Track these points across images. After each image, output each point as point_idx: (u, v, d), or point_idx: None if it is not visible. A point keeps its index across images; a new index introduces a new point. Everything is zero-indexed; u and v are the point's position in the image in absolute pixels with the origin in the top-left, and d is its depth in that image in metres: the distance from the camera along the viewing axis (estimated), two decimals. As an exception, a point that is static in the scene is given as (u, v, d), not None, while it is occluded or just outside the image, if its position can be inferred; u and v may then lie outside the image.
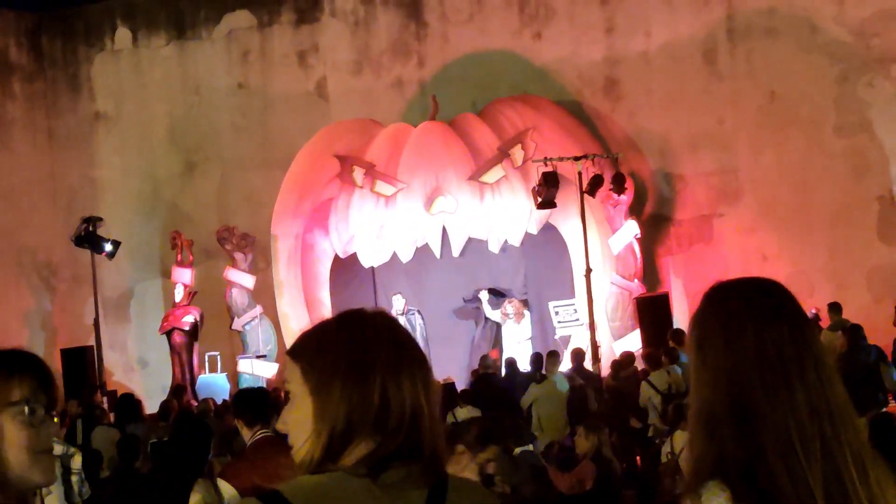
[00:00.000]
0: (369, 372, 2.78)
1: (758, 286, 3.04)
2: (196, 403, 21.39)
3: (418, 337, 24.41)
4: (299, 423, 2.83)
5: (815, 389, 2.85)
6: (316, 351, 2.85)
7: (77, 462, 10.72)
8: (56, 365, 27.19)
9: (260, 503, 2.71)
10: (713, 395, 2.91)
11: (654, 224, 26.04)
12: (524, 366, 20.86)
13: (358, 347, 2.82)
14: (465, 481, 3.07)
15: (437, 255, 24.84)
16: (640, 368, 19.12)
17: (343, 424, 2.76)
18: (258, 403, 7.78)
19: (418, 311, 24.93)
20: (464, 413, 16.60)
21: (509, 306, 24.82)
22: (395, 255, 25.16)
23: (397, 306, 24.60)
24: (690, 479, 2.88)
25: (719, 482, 2.81)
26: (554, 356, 19.27)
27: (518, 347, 24.03)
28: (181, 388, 22.27)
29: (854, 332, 18.33)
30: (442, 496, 2.87)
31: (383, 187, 24.60)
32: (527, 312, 24.98)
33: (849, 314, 20.55)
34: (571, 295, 24.75)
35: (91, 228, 24.82)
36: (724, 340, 2.92)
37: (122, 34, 30.39)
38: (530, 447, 12.47)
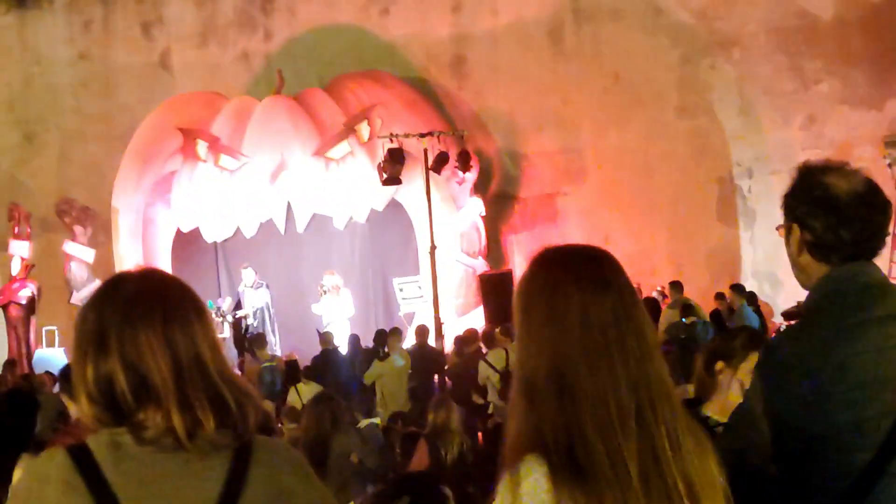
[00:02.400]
0: (96, 348, 2.85)
1: (586, 255, 2.99)
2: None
3: (265, 311, 24.28)
4: None
5: (634, 363, 2.84)
6: (74, 329, 2.94)
7: None
8: None
9: (67, 453, 2.80)
10: (535, 365, 2.87)
11: (499, 202, 26.20)
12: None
13: (95, 319, 2.88)
14: (272, 441, 3.05)
15: (282, 230, 24.65)
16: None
17: (96, 394, 2.84)
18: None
19: (266, 286, 24.70)
20: (307, 389, 16.59)
21: (327, 278, 24.37)
22: (238, 231, 24.92)
23: (247, 279, 24.38)
24: (510, 453, 2.84)
25: (538, 456, 2.77)
26: (396, 333, 19.27)
27: (337, 325, 23.67)
28: (13, 362, 21.82)
29: (688, 310, 18.74)
30: (246, 459, 2.87)
31: (227, 161, 24.33)
32: (346, 291, 24.60)
33: (688, 293, 20.89)
34: (416, 272, 24.80)
35: (-77, 199, 24.25)
36: (549, 309, 2.89)
37: (-40, 1, 29.67)
38: (377, 420, 12.51)
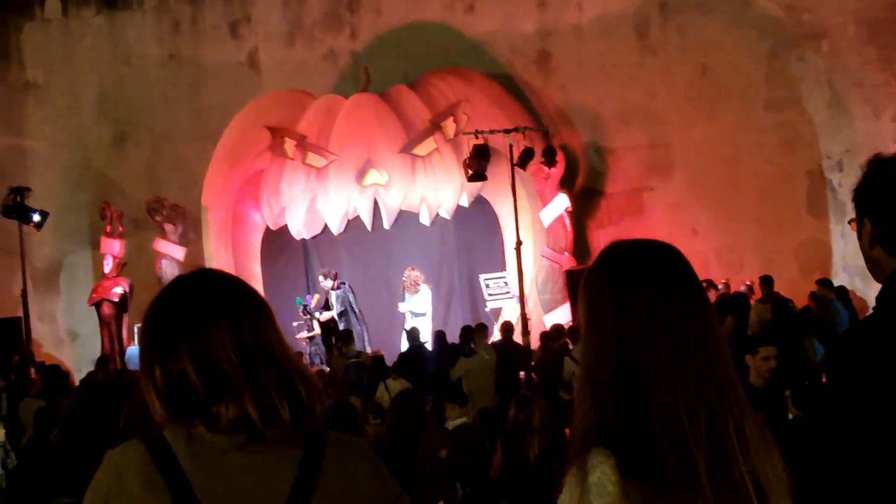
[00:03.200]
0: (164, 345, 2.94)
1: (655, 250, 3.01)
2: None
3: (349, 311, 24.35)
4: None
5: (703, 360, 2.84)
6: (139, 335, 3.07)
7: (0, 434, 10.64)
8: (-17, 336, 27.00)
9: (143, 445, 2.90)
10: (601, 359, 2.88)
11: (585, 197, 26.13)
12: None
13: (160, 322, 2.98)
14: (345, 437, 3.10)
15: (369, 227, 24.75)
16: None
17: (167, 393, 2.92)
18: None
19: (348, 286, 24.80)
20: (395, 385, 16.68)
21: (408, 275, 24.50)
22: (326, 228, 25.07)
23: (325, 285, 24.48)
24: (576, 446, 2.85)
25: (605, 450, 2.78)
26: (482, 329, 19.31)
27: (413, 321, 23.78)
28: (105, 359, 22.06)
29: (781, 306, 18.50)
30: (319, 452, 2.94)
31: (315, 159, 24.49)
32: (424, 288, 24.71)
33: (778, 288, 20.71)
34: (502, 268, 24.81)
35: (19, 199, 24.54)
36: (616, 303, 2.90)
37: (52, 3, 30.01)
38: (466, 419, 12.52)
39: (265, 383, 2.89)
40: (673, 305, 2.89)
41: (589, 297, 2.97)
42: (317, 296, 24.60)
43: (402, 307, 24.36)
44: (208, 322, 2.92)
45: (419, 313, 24.06)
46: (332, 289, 24.24)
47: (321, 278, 24.63)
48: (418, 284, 24.29)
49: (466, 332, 19.52)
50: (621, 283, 2.92)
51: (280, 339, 3.00)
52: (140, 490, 2.86)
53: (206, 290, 3.02)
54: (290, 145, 24.69)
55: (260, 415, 2.87)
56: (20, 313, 25.53)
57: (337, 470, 2.96)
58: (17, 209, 24.55)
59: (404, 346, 22.47)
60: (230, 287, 3.05)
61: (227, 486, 2.87)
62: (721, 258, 24.87)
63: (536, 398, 12.32)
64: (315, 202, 24.60)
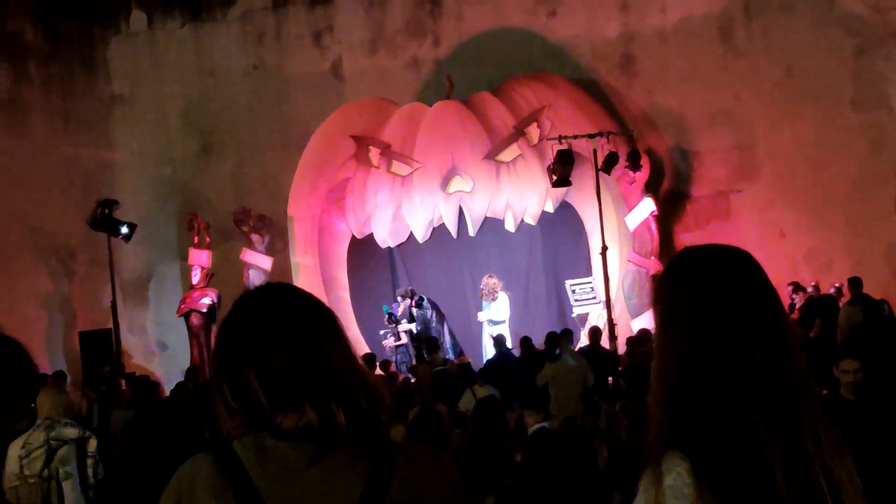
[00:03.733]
0: (232, 357, 2.97)
1: (726, 253, 3.01)
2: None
3: (429, 324, 24.37)
4: None
5: (776, 361, 2.84)
6: (212, 349, 3.14)
7: (92, 445, 10.73)
8: (75, 348, 27.33)
9: (211, 456, 2.94)
10: (675, 362, 2.89)
11: (671, 201, 25.97)
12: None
13: (225, 336, 3.03)
14: (416, 446, 3.11)
15: (454, 234, 24.76)
16: (655, 346, 19.06)
17: (234, 406, 2.95)
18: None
19: (429, 301, 24.81)
20: (482, 391, 16.66)
21: (486, 282, 24.56)
22: (411, 235, 25.14)
23: (403, 305, 24.54)
24: (651, 449, 2.86)
25: (679, 452, 2.79)
26: (568, 334, 19.24)
27: (491, 329, 23.85)
28: (195, 369, 22.26)
29: (873, 307, 18.26)
30: (388, 462, 2.95)
31: (399, 167, 24.57)
32: (502, 296, 24.64)
33: (867, 290, 20.47)
34: (588, 273, 24.74)
35: (107, 211, 24.83)
36: (688, 306, 2.91)
37: (138, 16, 30.37)
38: (545, 424, 12.46)
39: (324, 394, 2.91)
40: (744, 310, 2.89)
41: (661, 302, 3.00)
42: (403, 304, 24.66)
43: (480, 316, 24.42)
44: (270, 335, 2.95)
45: (498, 321, 24.08)
46: (411, 307, 24.31)
47: (399, 299, 24.71)
48: (496, 292, 24.34)
49: (552, 337, 19.47)
50: (692, 288, 2.94)
51: (343, 349, 3.01)
52: (210, 502, 2.88)
53: (269, 304, 3.05)
54: (374, 154, 24.78)
55: (321, 424, 2.89)
56: (110, 325, 25.84)
57: (407, 480, 2.95)
58: (106, 222, 24.84)
59: (486, 353, 22.53)
60: (293, 299, 3.07)
61: (295, 496, 2.88)
62: (809, 260, 24.63)
63: (605, 405, 12.28)
64: (400, 210, 24.68)
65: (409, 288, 24.98)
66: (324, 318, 3.04)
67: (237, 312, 3.05)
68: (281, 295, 3.09)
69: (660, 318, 2.98)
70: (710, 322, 2.86)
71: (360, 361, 3.08)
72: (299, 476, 2.89)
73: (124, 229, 25.00)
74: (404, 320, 24.28)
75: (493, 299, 24.33)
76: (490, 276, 24.58)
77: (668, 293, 2.97)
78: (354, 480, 2.91)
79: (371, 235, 25.43)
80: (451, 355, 23.16)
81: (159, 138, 29.83)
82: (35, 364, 3.28)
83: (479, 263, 25.79)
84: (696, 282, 2.93)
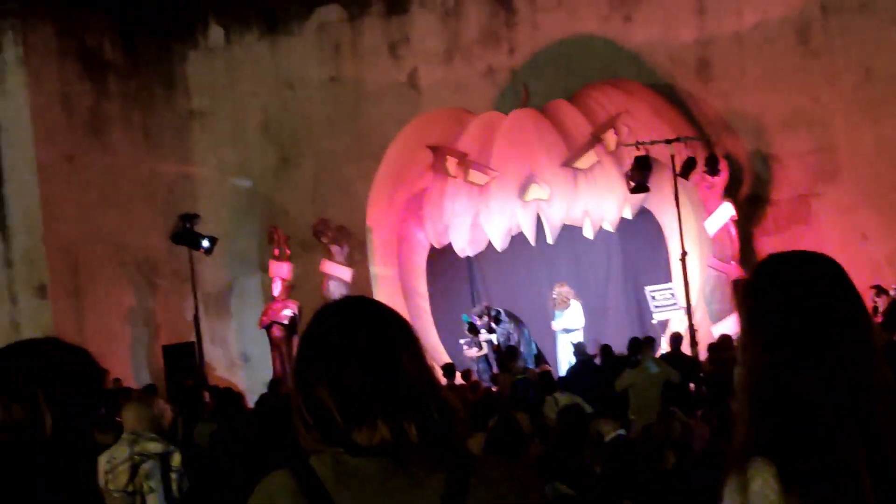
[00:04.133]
0: (308, 371, 3.04)
1: (810, 260, 3.03)
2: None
3: (510, 337, 24.39)
4: None
5: (859, 369, 2.85)
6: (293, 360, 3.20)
7: (176, 460, 10.80)
8: (159, 361, 27.63)
9: (290, 473, 3.00)
10: (760, 368, 2.91)
11: (751, 205, 25.76)
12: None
13: (303, 351, 3.08)
14: (495, 459, 3.13)
15: (532, 242, 24.75)
16: (738, 352, 18.95)
17: (310, 419, 3.01)
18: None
19: (505, 312, 24.81)
20: (564, 399, 16.65)
21: (557, 291, 24.56)
22: (490, 244, 25.15)
23: (481, 323, 24.59)
24: (736, 455, 2.88)
25: (765, 458, 2.80)
26: (649, 341, 19.19)
27: (566, 337, 23.90)
28: (278, 381, 22.41)
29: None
30: (465, 476, 2.96)
31: (476, 176, 24.60)
32: (575, 304, 24.59)
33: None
34: (668, 279, 24.61)
35: (188, 225, 25.02)
36: (773, 313, 2.92)
37: (215, 31, 30.65)
38: (622, 431, 12.43)
39: (397, 408, 2.95)
40: (828, 316, 2.90)
41: (746, 308, 3.01)
42: (481, 321, 24.68)
43: (554, 325, 24.42)
44: (345, 349, 3.00)
45: (572, 329, 24.07)
46: (490, 323, 24.33)
47: (476, 319, 24.67)
48: (568, 300, 24.30)
49: (634, 343, 19.44)
50: (777, 295, 2.95)
51: (419, 363, 3.05)
52: None
53: (345, 318, 3.09)
54: (451, 163, 24.83)
55: (395, 440, 2.93)
56: (193, 338, 26.03)
57: (484, 491, 2.96)
58: (188, 236, 25.03)
59: (560, 361, 22.55)
60: (370, 312, 3.11)
61: None
62: (893, 263, 24.35)
63: (680, 415, 12.21)
64: (478, 219, 24.72)
65: (485, 305, 25.01)
66: (401, 331, 3.08)
67: (314, 328, 3.10)
68: (358, 308, 3.12)
69: (745, 325, 2.99)
70: (795, 328, 2.87)
71: (437, 375, 3.11)
72: (376, 490, 2.92)
73: (205, 243, 25.18)
74: (484, 330, 24.31)
75: (566, 308, 24.32)
76: (561, 285, 24.57)
77: (753, 300, 2.99)
78: (431, 494, 2.93)
79: (450, 245, 25.49)
80: (531, 364, 23.16)
81: (238, 152, 30.09)
82: (105, 375, 3.36)
83: (556, 271, 25.77)
84: (780, 288, 2.95)
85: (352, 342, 3.01)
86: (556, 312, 24.48)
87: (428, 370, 3.07)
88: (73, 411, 3.17)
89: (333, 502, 2.92)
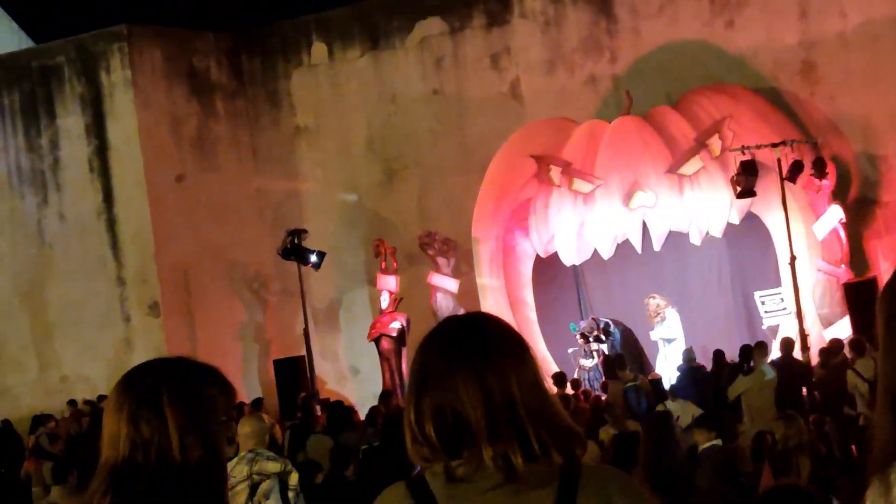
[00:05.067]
0: (418, 388, 3.08)
1: None
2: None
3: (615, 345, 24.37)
4: None
5: None
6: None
7: (294, 479, 10.90)
8: (270, 376, 27.91)
9: (406, 488, 3.07)
10: None
11: (860, 207, 25.44)
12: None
13: (415, 367, 3.13)
14: (602, 469, 3.16)
15: (638, 249, 24.65)
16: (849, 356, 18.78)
17: (418, 434, 3.05)
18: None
19: (612, 322, 24.77)
20: (675, 406, 16.62)
21: (651, 302, 24.49)
22: (596, 252, 25.10)
23: (580, 342, 24.61)
24: (878, 459, 2.84)
25: None
26: (761, 347, 19.07)
27: (664, 348, 23.95)
28: (388, 393, 22.55)
29: None
30: (572, 488, 3.00)
31: (581, 185, 24.56)
32: (670, 312, 24.48)
33: None
34: (777, 284, 24.38)
35: (296, 241, 25.27)
36: None
37: (318, 48, 30.91)
38: (718, 441, 12.27)
39: (503, 433, 2.98)
40: None
41: (884, 312, 2.94)
42: (591, 335, 24.65)
43: (653, 335, 24.35)
44: (457, 368, 3.03)
45: (671, 338, 23.98)
46: (599, 336, 24.30)
47: (590, 340, 24.63)
48: (662, 311, 24.21)
49: (745, 350, 19.30)
50: None
51: (529, 385, 3.07)
52: None
53: (463, 335, 3.12)
54: (555, 172, 24.80)
55: (499, 462, 2.97)
56: (303, 352, 26.30)
57: (593, 499, 3.00)
58: (296, 251, 25.29)
59: (660, 370, 22.47)
60: (488, 333, 3.12)
61: None
62: None
63: (798, 416, 12.11)
64: (583, 227, 24.68)
65: (592, 318, 24.96)
66: (514, 351, 3.09)
67: (429, 342, 3.14)
68: (474, 326, 3.15)
69: (885, 328, 2.92)
70: None
71: (549, 393, 3.13)
72: (486, 501, 2.98)
73: (314, 258, 25.42)
74: (592, 339, 24.29)
75: (662, 319, 24.24)
76: (652, 297, 24.52)
77: (891, 304, 2.93)
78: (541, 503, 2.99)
79: (555, 254, 25.46)
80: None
81: (344, 166, 30.29)
82: (235, 393, 3.39)
83: (662, 278, 25.65)
84: None
85: (463, 361, 3.04)
86: (655, 323, 24.40)
87: (540, 391, 3.09)
88: (208, 431, 3.17)
89: None
